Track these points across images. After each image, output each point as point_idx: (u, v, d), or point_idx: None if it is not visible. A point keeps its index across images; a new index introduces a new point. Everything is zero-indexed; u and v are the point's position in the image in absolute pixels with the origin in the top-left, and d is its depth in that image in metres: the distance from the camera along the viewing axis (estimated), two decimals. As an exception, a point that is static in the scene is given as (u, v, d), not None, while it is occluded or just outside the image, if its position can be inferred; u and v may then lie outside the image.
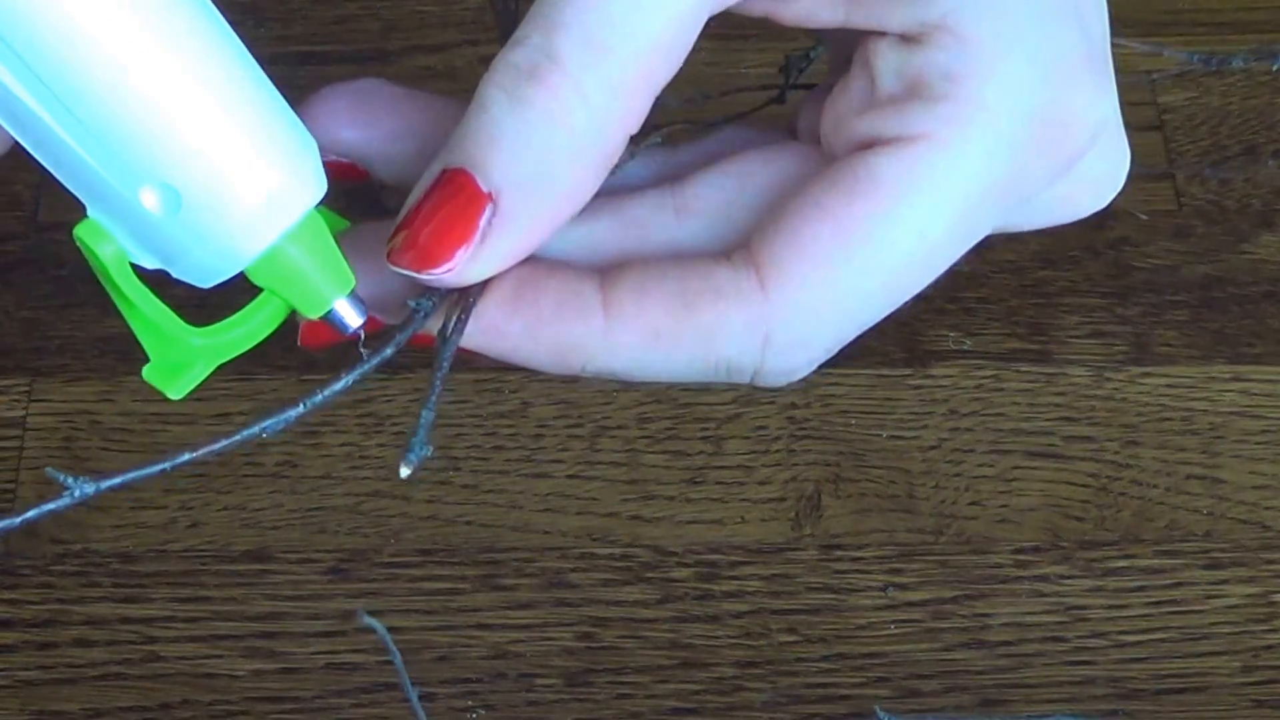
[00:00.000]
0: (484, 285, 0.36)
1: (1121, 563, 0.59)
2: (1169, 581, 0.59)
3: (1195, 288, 0.65)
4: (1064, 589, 0.59)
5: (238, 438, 0.33)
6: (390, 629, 0.52)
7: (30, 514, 0.32)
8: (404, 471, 0.34)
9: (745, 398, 0.63)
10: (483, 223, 0.34)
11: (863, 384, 0.63)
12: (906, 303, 0.38)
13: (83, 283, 0.65)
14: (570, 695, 0.57)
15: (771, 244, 0.35)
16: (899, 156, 0.35)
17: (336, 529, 0.60)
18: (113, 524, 0.60)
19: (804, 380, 0.38)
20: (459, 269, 0.35)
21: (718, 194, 0.38)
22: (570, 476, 0.61)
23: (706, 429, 0.62)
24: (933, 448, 0.62)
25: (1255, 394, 0.63)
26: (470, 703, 0.57)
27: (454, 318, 0.35)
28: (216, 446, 0.33)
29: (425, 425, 0.34)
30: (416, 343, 0.36)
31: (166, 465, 0.33)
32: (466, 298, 0.35)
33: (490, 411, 0.62)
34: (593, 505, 0.60)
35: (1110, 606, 0.59)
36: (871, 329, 0.62)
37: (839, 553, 0.60)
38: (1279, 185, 0.68)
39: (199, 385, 0.35)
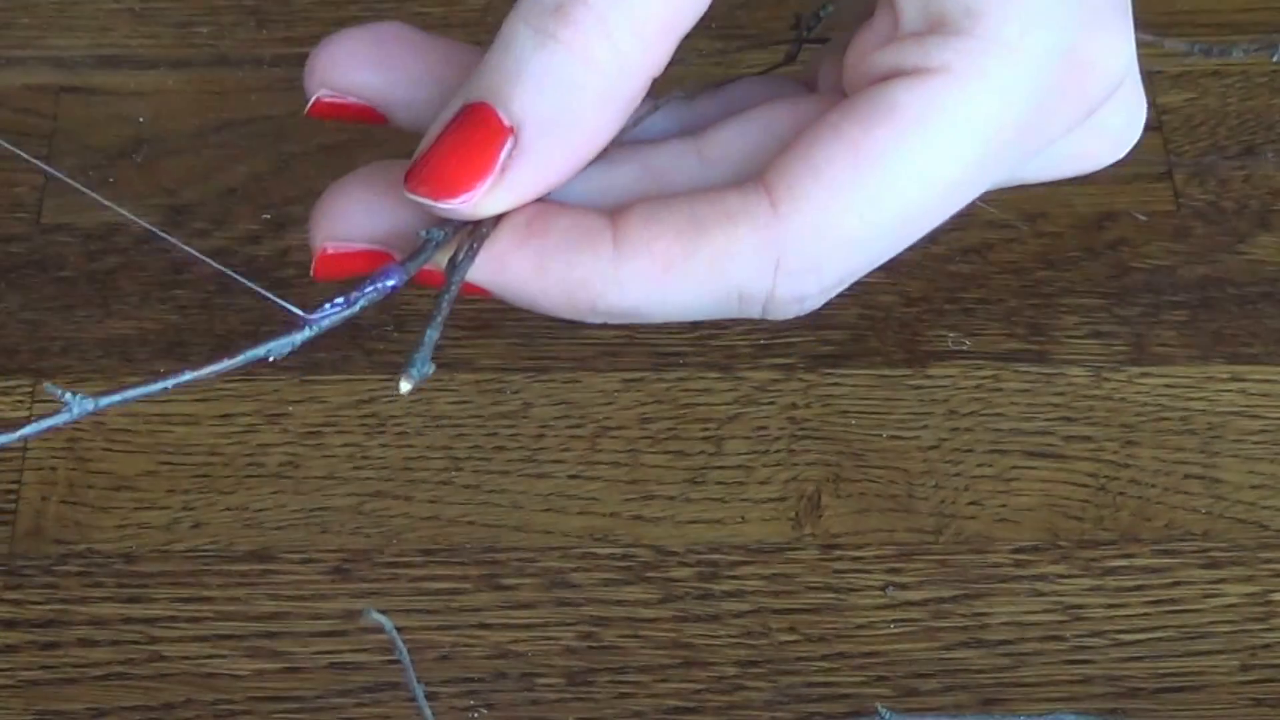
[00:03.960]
0: (496, 220, 0.36)
1: (1120, 562, 0.60)
2: (1167, 581, 0.59)
3: (1193, 288, 0.66)
4: (1063, 588, 0.59)
5: (240, 358, 0.33)
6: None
7: (28, 430, 0.32)
8: (404, 386, 0.34)
9: (745, 398, 0.63)
10: (502, 156, 0.35)
11: (863, 384, 0.63)
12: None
13: (86, 284, 0.65)
14: (572, 694, 0.57)
15: (783, 167, 0.35)
16: (918, 87, 0.35)
17: (339, 529, 0.60)
18: (115, 524, 0.60)
19: (814, 313, 0.37)
20: (476, 201, 0.35)
21: (740, 140, 0.37)
22: (571, 477, 0.61)
23: (707, 429, 0.62)
24: (932, 448, 0.62)
25: (1253, 394, 0.63)
26: (472, 702, 0.57)
27: (464, 249, 0.35)
28: (219, 366, 0.33)
29: (429, 343, 0.34)
30: (423, 280, 0.36)
31: (167, 384, 0.33)
32: (479, 230, 0.35)
33: (492, 412, 0.63)
34: (594, 505, 0.61)
35: (1109, 605, 0.59)
36: (871, 329, 0.63)
37: (839, 552, 0.60)
38: (1277, 186, 0.68)
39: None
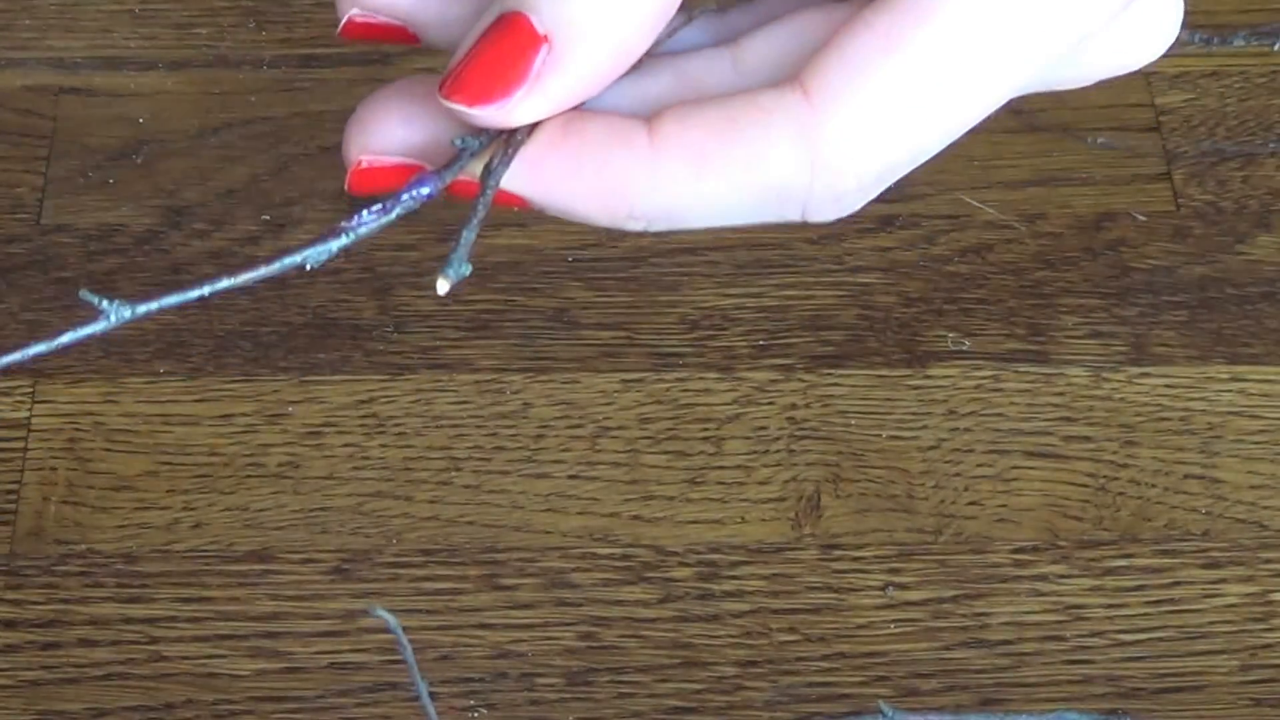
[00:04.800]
0: (531, 129, 0.36)
1: (1120, 562, 0.60)
2: (1167, 581, 0.59)
3: (1193, 288, 0.66)
4: (1063, 588, 0.59)
5: (277, 265, 0.32)
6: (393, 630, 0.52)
7: (64, 338, 0.32)
8: (441, 286, 0.34)
9: (745, 398, 0.63)
10: (537, 63, 0.35)
11: (862, 384, 0.63)
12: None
13: (86, 284, 0.65)
14: (571, 695, 0.57)
15: (817, 64, 0.35)
16: None
17: (339, 529, 0.60)
18: (116, 525, 0.60)
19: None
20: (510, 107, 0.35)
21: (774, 46, 0.38)
22: (571, 477, 0.61)
23: (707, 429, 0.62)
24: (932, 448, 0.62)
25: (1253, 394, 0.63)
26: (472, 702, 0.57)
27: (499, 155, 0.35)
28: (257, 274, 0.33)
29: (465, 244, 0.34)
30: (458, 190, 0.36)
31: (205, 290, 0.33)
32: (514, 138, 0.36)
33: (492, 412, 0.63)
34: (594, 505, 0.61)
35: (1109, 605, 0.59)
36: (871, 329, 0.63)
37: (839, 553, 0.60)
38: (1276, 186, 0.68)
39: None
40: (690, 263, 0.66)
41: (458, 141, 0.35)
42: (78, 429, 0.62)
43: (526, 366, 0.64)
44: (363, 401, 0.63)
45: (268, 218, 0.67)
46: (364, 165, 0.37)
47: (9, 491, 0.60)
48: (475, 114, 0.35)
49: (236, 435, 0.62)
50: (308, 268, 0.33)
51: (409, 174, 0.37)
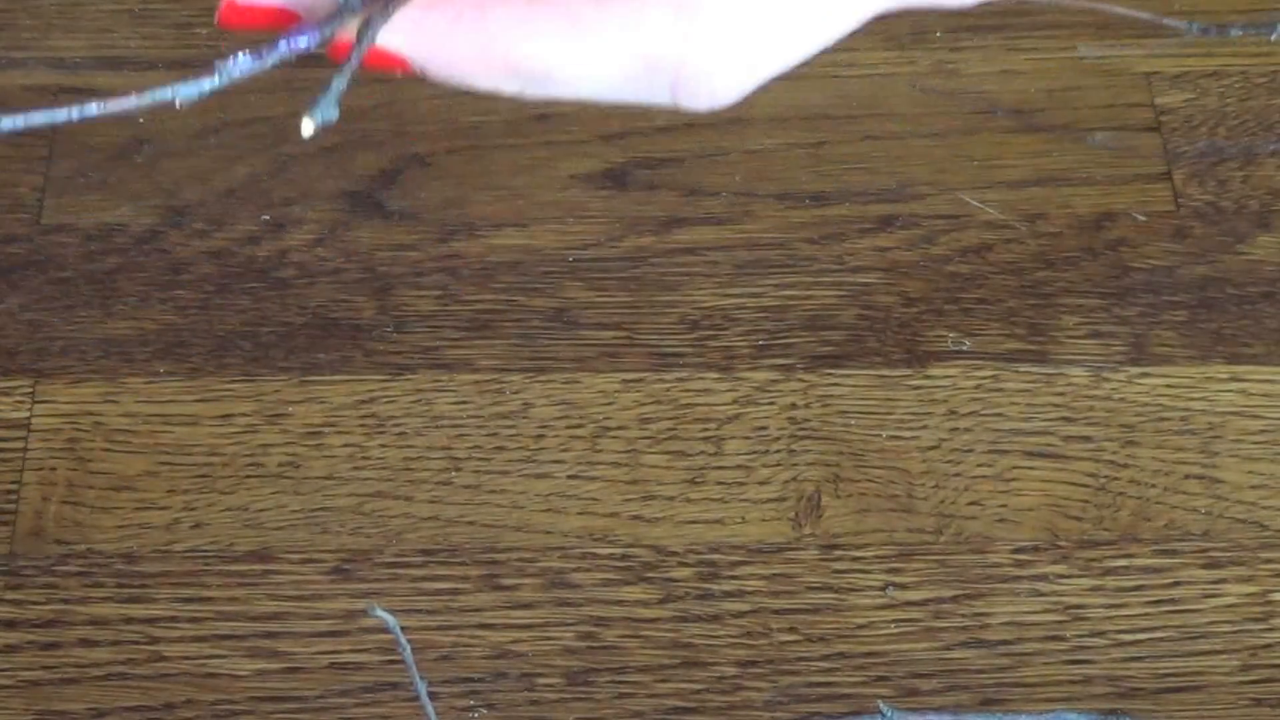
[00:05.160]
0: None
1: (1120, 562, 0.60)
2: (1167, 581, 0.59)
3: (1193, 288, 0.66)
4: (1063, 588, 0.59)
5: (149, 96, 0.32)
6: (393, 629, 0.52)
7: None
8: (307, 127, 0.34)
9: (745, 398, 0.63)
10: None
11: (863, 384, 0.63)
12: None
13: (86, 284, 0.65)
14: (571, 694, 0.57)
15: None
16: None
17: (339, 529, 0.60)
18: (116, 525, 0.60)
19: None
20: None
21: None
22: (571, 477, 0.61)
23: (706, 429, 0.62)
24: (932, 448, 0.62)
25: (1253, 394, 0.63)
26: (472, 702, 0.57)
27: (378, 11, 0.35)
28: (127, 103, 0.32)
29: (336, 90, 0.34)
30: (337, 51, 0.36)
31: (73, 114, 0.32)
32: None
33: (491, 412, 0.63)
34: (594, 505, 0.61)
35: (1109, 605, 0.59)
36: (871, 329, 0.62)
37: (839, 553, 0.60)
38: (1276, 186, 0.68)
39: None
40: (690, 263, 0.66)
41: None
42: (78, 429, 0.62)
43: (526, 366, 0.64)
44: (363, 401, 0.63)
45: (267, 217, 0.67)
46: (235, 4, 0.37)
47: (9, 491, 0.60)
48: None
49: (236, 435, 0.62)
50: (177, 104, 0.33)
51: (282, 19, 0.37)
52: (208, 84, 0.33)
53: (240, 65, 0.34)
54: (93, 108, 0.32)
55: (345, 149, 0.68)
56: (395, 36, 0.36)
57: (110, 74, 0.70)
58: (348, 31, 0.36)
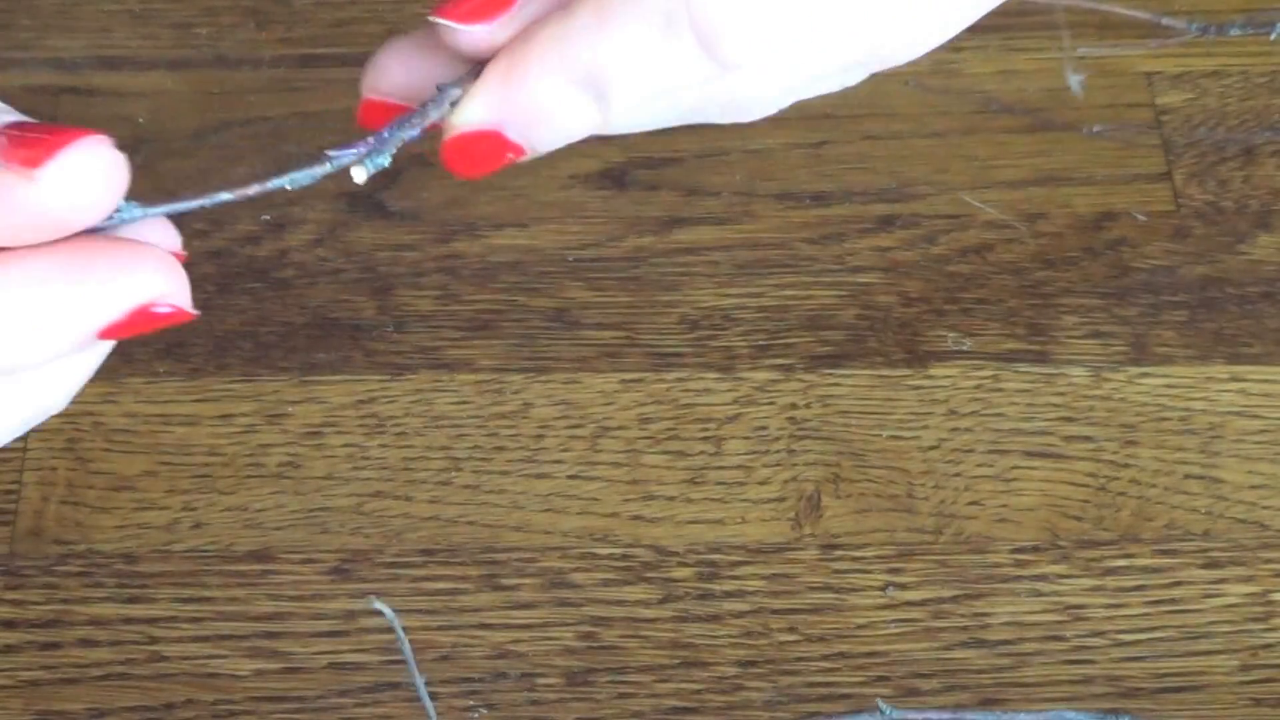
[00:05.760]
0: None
1: (1120, 562, 0.60)
2: (1168, 580, 0.59)
3: (1193, 288, 0.66)
4: (1063, 588, 0.59)
5: (270, 184, 0.34)
6: (392, 628, 0.52)
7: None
8: (359, 175, 0.36)
9: (745, 398, 0.63)
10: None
11: (863, 384, 0.63)
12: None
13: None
14: (572, 695, 0.57)
15: None
16: None
17: (339, 529, 0.60)
18: (116, 525, 0.60)
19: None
20: (496, 29, 0.37)
21: None
22: (571, 477, 0.61)
23: (706, 429, 0.62)
24: (932, 448, 0.62)
25: (1253, 394, 0.63)
26: (472, 702, 0.57)
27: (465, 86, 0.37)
28: (249, 191, 0.34)
29: (394, 140, 0.36)
30: (436, 130, 0.38)
31: (205, 202, 0.35)
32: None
33: (492, 412, 0.63)
34: (594, 505, 0.61)
35: (1109, 605, 0.59)
36: (871, 329, 0.62)
37: (839, 553, 0.60)
38: (1276, 186, 0.68)
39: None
40: (690, 263, 0.66)
41: (438, 86, 0.37)
42: (78, 429, 0.62)
43: (526, 366, 0.64)
44: (363, 401, 0.63)
45: (268, 218, 0.67)
46: (368, 100, 0.39)
47: (9, 491, 0.60)
48: (463, 30, 0.37)
49: (236, 435, 0.62)
50: (290, 188, 0.35)
51: (399, 110, 0.39)
52: (320, 170, 0.35)
53: (347, 155, 0.36)
54: (222, 195, 0.34)
55: (345, 149, 0.68)
56: (480, 104, 0.37)
57: (110, 74, 0.70)
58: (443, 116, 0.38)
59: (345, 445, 0.62)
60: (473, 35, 0.37)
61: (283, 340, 0.64)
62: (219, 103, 0.70)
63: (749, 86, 0.39)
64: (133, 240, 0.36)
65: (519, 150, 0.38)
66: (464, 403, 0.63)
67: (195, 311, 0.36)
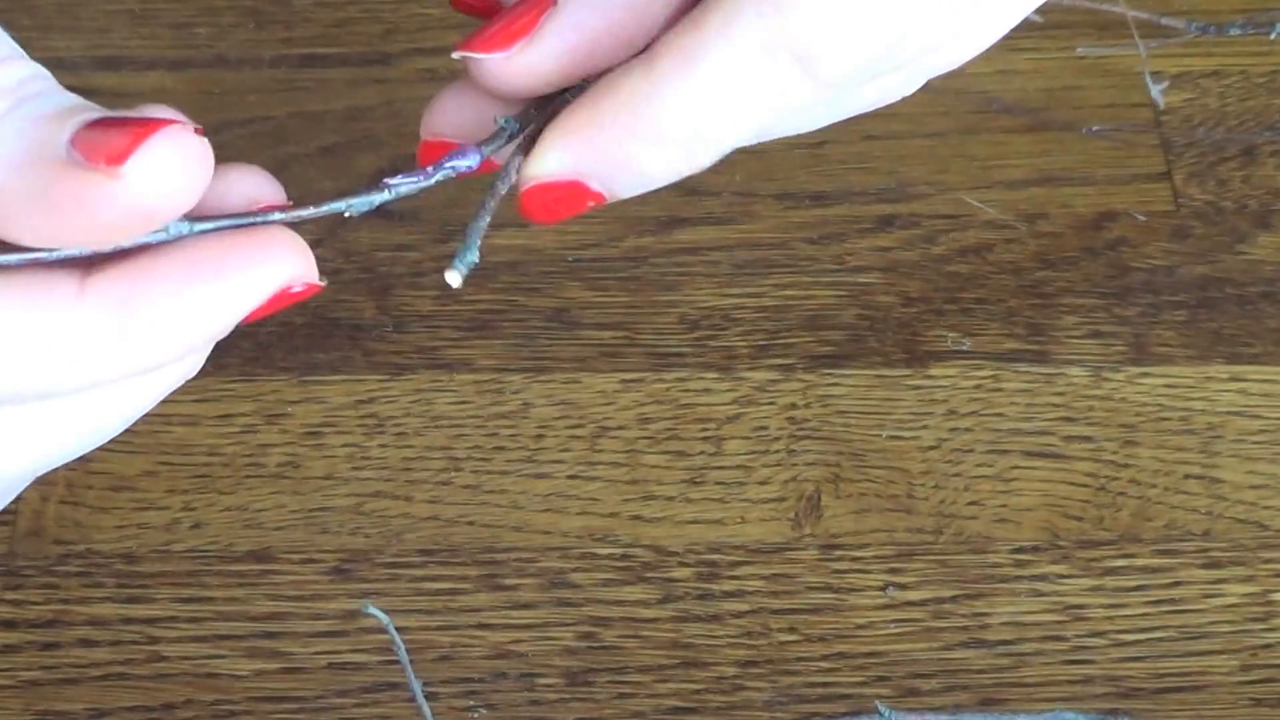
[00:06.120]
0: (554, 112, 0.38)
1: (1120, 562, 0.60)
2: (1167, 581, 0.59)
3: (1193, 288, 0.66)
4: (1063, 588, 0.59)
5: (325, 208, 0.35)
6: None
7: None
8: (453, 278, 0.36)
9: (745, 398, 0.63)
10: (542, 20, 0.37)
11: (862, 384, 0.63)
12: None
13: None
14: (571, 695, 0.57)
15: None
16: None
17: (338, 529, 0.60)
18: (115, 525, 0.60)
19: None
20: (510, 55, 0.37)
21: None
22: (571, 477, 0.61)
23: (706, 429, 0.62)
24: (932, 448, 0.62)
25: (1253, 394, 0.63)
26: (472, 702, 0.57)
27: (518, 148, 0.38)
28: (304, 213, 0.35)
29: (475, 232, 0.36)
30: (491, 167, 0.38)
31: (258, 220, 0.35)
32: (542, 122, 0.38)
33: (491, 412, 0.63)
34: (593, 505, 0.61)
35: (1109, 605, 0.59)
36: (871, 329, 0.62)
37: (839, 553, 0.60)
38: (1276, 186, 0.68)
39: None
40: (690, 263, 0.66)
41: (500, 120, 0.38)
42: (77, 429, 0.62)
43: (526, 366, 0.64)
44: (363, 401, 0.63)
45: (267, 218, 0.67)
46: (426, 141, 0.40)
47: (9, 491, 0.60)
48: (480, 59, 0.37)
49: (236, 435, 0.62)
50: (348, 215, 0.36)
51: (451, 145, 0.39)
52: (378, 198, 0.36)
53: (406, 183, 0.36)
54: (275, 216, 0.35)
55: (345, 149, 0.68)
56: (552, 154, 0.38)
57: (110, 74, 0.70)
58: (501, 155, 0.38)
59: (345, 445, 0.62)
60: (496, 66, 0.37)
61: (282, 340, 0.64)
62: (219, 103, 0.70)
63: (842, 103, 0.39)
64: (259, 227, 0.35)
65: (600, 198, 0.38)
66: (464, 403, 0.63)
67: (324, 282, 0.36)
